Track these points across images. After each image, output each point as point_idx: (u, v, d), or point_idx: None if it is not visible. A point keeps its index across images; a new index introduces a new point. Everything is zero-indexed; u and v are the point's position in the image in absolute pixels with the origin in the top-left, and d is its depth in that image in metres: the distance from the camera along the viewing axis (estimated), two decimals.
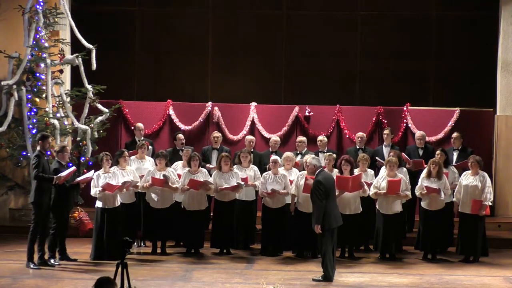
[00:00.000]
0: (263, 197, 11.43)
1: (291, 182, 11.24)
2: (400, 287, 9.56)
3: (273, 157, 11.60)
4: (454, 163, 12.34)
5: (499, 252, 11.91)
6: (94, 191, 10.76)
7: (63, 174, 10.22)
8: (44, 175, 10.13)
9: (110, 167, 10.92)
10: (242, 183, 11.24)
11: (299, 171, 11.43)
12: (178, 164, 11.91)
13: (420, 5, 15.68)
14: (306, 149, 12.61)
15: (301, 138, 12.83)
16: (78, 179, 10.61)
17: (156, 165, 11.39)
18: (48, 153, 11.57)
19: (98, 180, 10.75)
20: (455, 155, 12.57)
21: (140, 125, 13.03)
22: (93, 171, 10.88)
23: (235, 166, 11.58)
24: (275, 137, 13.03)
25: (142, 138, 12.88)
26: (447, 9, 15.59)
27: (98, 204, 10.81)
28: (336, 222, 9.67)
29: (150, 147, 12.52)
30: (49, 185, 10.20)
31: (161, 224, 11.26)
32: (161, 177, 11.11)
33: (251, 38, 15.74)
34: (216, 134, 12.82)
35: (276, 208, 11.33)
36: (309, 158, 10.31)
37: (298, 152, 12.49)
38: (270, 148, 12.75)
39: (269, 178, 11.33)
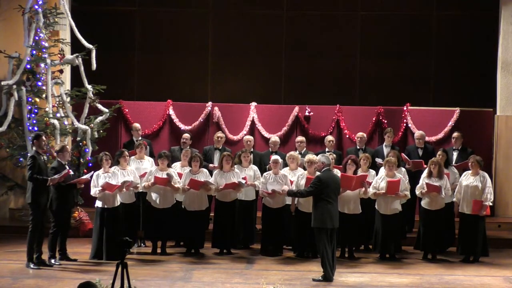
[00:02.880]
0: (263, 197, 11.43)
1: (291, 182, 11.24)
2: (400, 287, 9.56)
3: (274, 157, 11.59)
4: (454, 163, 12.33)
5: (499, 252, 11.90)
6: (93, 190, 10.76)
7: (57, 176, 10.20)
8: (38, 176, 10.09)
9: (110, 167, 10.92)
10: (243, 181, 11.25)
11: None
12: (177, 164, 11.92)
13: (420, 5, 15.69)
14: (305, 149, 12.62)
15: (300, 138, 12.82)
16: (76, 179, 10.60)
17: (158, 165, 11.39)
18: (48, 154, 11.59)
19: (97, 180, 10.74)
20: (455, 155, 12.56)
21: (136, 125, 13.03)
22: (92, 172, 10.86)
23: (235, 166, 11.58)
24: (274, 138, 13.02)
25: (140, 138, 12.87)
26: (447, 9, 15.60)
27: (98, 204, 10.80)
28: (331, 223, 9.66)
29: (147, 147, 12.50)
30: (46, 186, 10.19)
31: (162, 224, 11.26)
32: (165, 176, 11.11)
33: (251, 38, 15.74)
34: (220, 134, 12.81)
35: (276, 208, 11.33)
36: (319, 155, 10.37)
37: (297, 152, 12.47)
38: (270, 149, 12.75)
39: (270, 178, 11.32)
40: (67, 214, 10.66)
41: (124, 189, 10.86)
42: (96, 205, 10.86)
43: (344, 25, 15.75)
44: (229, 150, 12.48)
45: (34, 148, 10.40)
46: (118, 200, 10.90)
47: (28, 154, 12.29)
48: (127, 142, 13.05)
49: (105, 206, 10.74)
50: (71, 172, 10.57)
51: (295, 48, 15.76)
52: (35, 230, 10.17)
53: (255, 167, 11.81)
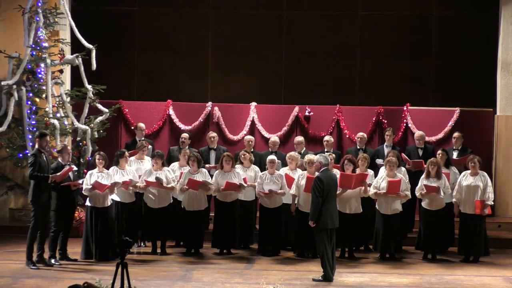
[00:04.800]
0: (260, 197, 11.43)
1: (291, 180, 11.21)
2: (400, 287, 9.56)
3: (270, 157, 11.59)
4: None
5: (499, 252, 11.91)
6: (84, 188, 10.74)
7: (59, 173, 10.21)
8: (38, 174, 10.10)
9: (104, 167, 10.90)
10: (245, 184, 11.25)
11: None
12: (175, 164, 11.93)
13: (420, 5, 15.68)
14: (304, 149, 12.62)
15: (299, 138, 12.82)
16: (69, 182, 10.47)
17: (153, 165, 11.41)
18: (54, 150, 11.59)
19: (90, 178, 10.72)
20: (455, 154, 12.56)
21: (141, 125, 13.04)
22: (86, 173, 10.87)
23: (237, 166, 11.58)
24: (274, 138, 13.02)
25: (143, 138, 12.88)
26: (447, 9, 15.60)
27: (88, 203, 10.81)
28: (332, 223, 9.68)
29: (150, 146, 12.52)
30: (46, 184, 10.19)
31: (160, 224, 11.26)
32: (153, 180, 11.12)
33: (251, 38, 15.73)
34: (212, 134, 12.82)
35: (273, 208, 11.33)
36: (317, 155, 10.38)
37: (297, 152, 12.46)
38: (269, 149, 12.75)
39: (266, 178, 11.33)
40: (67, 215, 10.64)
41: (115, 189, 10.83)
42: (86, 204, 10.86)
43: (344, 25, 15.74)
44: (224, 149, 12.49)
45: (36, 146, 10.39)
46: (109, 200, 10.88)
47: (28, 154, 12.33)
48: (130, 142, 13.04)
49: (94, 205, 10.73)
50: (75, 168, 10.58)
51: (295, 48, 15.76)
52: (35, 228, 10.16)
53: (256, 168, 11.82)
